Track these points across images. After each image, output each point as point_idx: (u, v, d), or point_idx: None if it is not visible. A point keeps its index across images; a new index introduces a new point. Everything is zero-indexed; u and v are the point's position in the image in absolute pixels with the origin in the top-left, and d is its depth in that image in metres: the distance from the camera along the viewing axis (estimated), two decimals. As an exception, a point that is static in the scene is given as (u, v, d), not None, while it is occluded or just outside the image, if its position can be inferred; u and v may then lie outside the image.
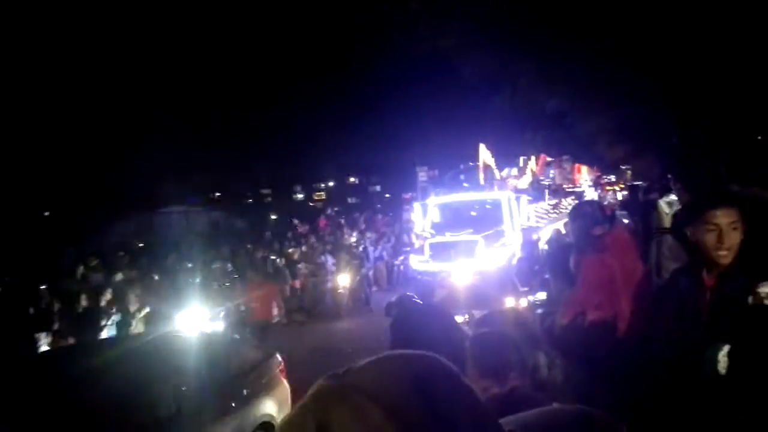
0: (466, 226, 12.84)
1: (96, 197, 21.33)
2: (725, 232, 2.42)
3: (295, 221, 19.04)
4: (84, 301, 8.70)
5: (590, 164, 23.18)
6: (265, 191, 41.44)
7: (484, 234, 12.28)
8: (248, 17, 21.22)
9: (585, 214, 3.90)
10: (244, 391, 5.24)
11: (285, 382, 5.95)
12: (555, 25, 11.02)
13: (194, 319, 8.35)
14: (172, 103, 23.92)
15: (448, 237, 12.91)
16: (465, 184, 15.02)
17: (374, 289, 14.65)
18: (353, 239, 16.72)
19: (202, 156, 27.69)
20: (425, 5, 11.71)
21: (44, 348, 7.87)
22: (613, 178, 28.03)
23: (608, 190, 24.31)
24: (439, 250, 12.56)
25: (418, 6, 11.74)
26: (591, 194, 19.78)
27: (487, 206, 13.64)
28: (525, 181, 15.85)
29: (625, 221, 6.54)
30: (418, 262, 12.99)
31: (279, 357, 6.14)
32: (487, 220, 13.00)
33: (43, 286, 9.99)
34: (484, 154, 14.67)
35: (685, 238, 2.63)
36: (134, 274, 11.30)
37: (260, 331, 9.07)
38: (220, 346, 5.93)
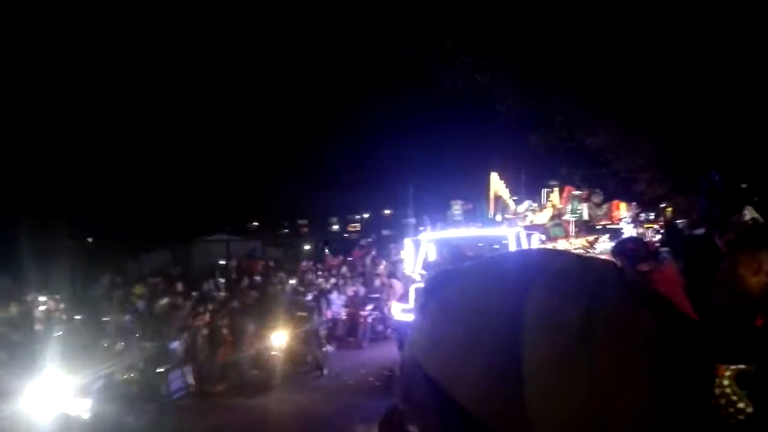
0: None
1: (137, 225, 21.84)
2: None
3: (326, 250, 18.84)
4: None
5: (629, 201, 22.79)
6: (302, 222, 41.89)
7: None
8: (287, 50, 21.81)
9: (628, 250, 3.84)
10: None
11: None
12: (591, 61, 11.03)
13: (49, 393, 5.92)
14: (211, 132, 24.58)
15: None
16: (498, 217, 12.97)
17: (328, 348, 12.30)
18: (382, 268, 16.28)
19: (241, 185, 28.28)
20: (462, 42, 11.86)
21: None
22: (652, 215, 27.47)
23: (648, 228, 23.81)
24: None
25: (454, 43, 11.90)
26: (630, 231, 19.36)
27: (493, 245, 11.63)
28: (545, 216, 14.21)
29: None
30: (400, 311, 11.04)
31: None
32: None
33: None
34: (496, 185, 13.14)
35: None
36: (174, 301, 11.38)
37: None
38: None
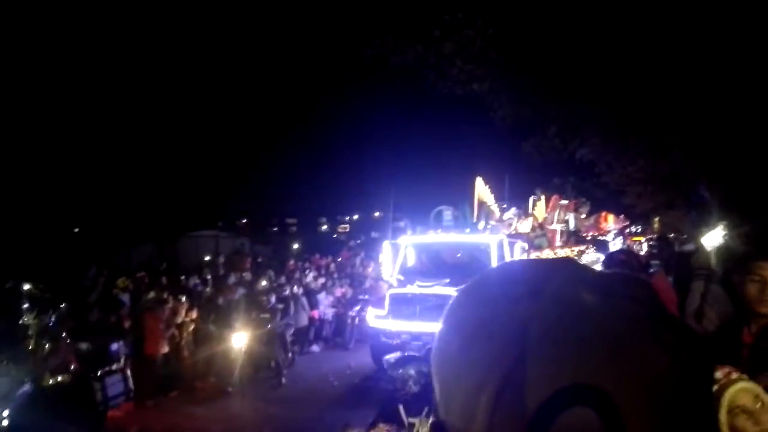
0: (442, 275, 10.34)
1: (126, 217, 21.70)
2: None
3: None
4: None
5: (617, 213, 22.89)
6: (291, 221, 41.81)
7: (461, 287, 10.11)
8: (283, 55, 21.83)
9: (621, 262, 3.84)
10: None
11: None
12: (588, 73, 11.06)
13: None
14: (206, 131, 24.49)
15: (415, 288, 10.40)
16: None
17: (315, 348, 12.77)
18: (370, 269, 16.20)
19: (232, 182, 28.18)
20: (459, 48, 11.84)
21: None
22: (639, 228, 27.62)
23: (634, 241, 23.93)
24: (402, 304, 10.26)
25: (452, 49, 11.87)
26: (617, 243, 19.42)
27: (474, 253, 11.29)
28: (528, 225, 13.90)
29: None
30: (374, 318, 10.77)
31: None
32: (470, 268, 10.27)
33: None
34: (481, 190, 12.81)
35: (732, 287, 2.60)
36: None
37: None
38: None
